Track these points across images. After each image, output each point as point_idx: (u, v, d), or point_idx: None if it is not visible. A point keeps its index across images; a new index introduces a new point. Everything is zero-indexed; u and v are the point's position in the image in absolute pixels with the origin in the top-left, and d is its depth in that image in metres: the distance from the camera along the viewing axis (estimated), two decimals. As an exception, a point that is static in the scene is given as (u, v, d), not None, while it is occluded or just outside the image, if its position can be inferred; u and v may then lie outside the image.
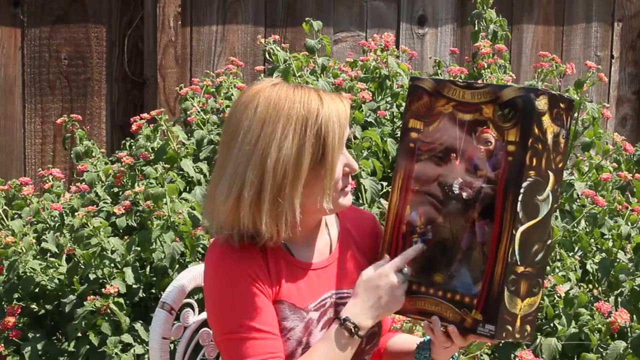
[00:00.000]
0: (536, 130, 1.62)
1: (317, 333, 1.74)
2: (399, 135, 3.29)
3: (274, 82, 1.75)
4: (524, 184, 1.62)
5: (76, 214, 2.83)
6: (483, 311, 1.62)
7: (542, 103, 1.63)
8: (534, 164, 1.63)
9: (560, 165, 1.69)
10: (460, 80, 1.73)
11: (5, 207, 2.97)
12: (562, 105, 1.67)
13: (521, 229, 1.62)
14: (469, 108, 1.69)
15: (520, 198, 1.62)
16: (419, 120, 1.75)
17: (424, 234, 1.72)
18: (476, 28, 3.86)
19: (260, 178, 1.67)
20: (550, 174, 1.67)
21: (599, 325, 2.63)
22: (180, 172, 3.14)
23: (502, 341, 1.88)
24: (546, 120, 1.64)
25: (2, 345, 2.72)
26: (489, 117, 1.66)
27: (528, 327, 1.68)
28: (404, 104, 3.40)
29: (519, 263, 1.63)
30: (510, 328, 1.64)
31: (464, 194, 1.67)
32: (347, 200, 1.78)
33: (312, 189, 1.70)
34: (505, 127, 1.64)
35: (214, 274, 1.73)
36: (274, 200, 1.68)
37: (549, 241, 1.70)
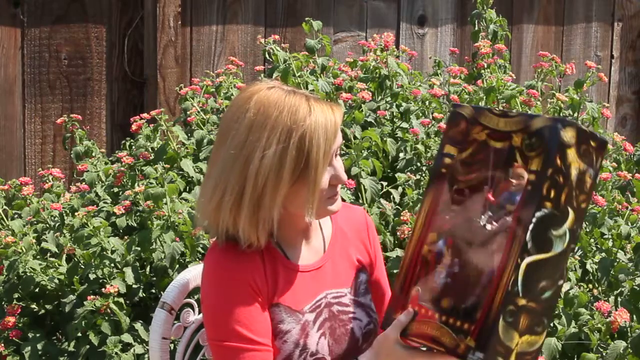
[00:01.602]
0: (558, 162, 1.57)
1: (313, 334, 1.75)
2: (399, 135, 3.30)
3: (270, 85, 1.73)
4: (537, 214, 1.56)
5: (76, 214, 2.83)
6: (477, 338, 1.58)
7: (568, 135, 1.57)
8: (552, 195, 1.57)
9: (583, 205, 1.62)
10: (497, 109, 1.69)
11: (5, 207, 2.97)
12: (592, 143, 1.61)
13: (528, 259, 1.57)
14: (501, 136, 1.64)
15: (530, 227, 1.56)
16: (453, 147, 1.70)
17: (451, 267, 1.65)
18: (476, 28, 3.86)
19: (242, 184, 1.68)
20: (571, 210, 1.60)
21: (599, 325, 2.63)
22: (180, 172, 3.14)
23: None
24: (571, 153, 1.58)
25: (2, 345, 2.72)
26: (517, 145, 1.61)
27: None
28: (404, 104, 3.42)
29: (520, 295, 1.57)
30: None
31: (488, 226, 1.62)
32: (335, 206, 1.76)
33: (295, 199, 1.70)
34: (530, 156, 1.59)
35: (212, 278, 1.73)
36: (253, 207, 1.68)
37: (561, 281, 1.64)
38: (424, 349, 1.68)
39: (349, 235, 1.88)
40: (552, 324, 2.69)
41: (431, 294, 1.66)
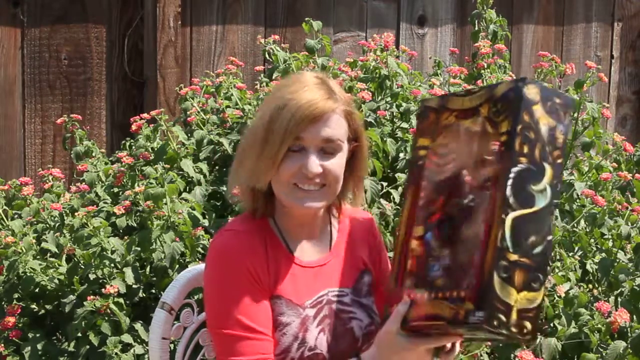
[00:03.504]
0: (526, 118, 1.61)
1: (313, 329, 1.76)
2: (399, 135, 3.30)
3: (316, 73, 1.81)
4: (514, 169, 1.60)
5: (76, 214, 2.83)
6: (474, 300, 1.57)
7: (531, 92, 1.62)
8: (525, 151, 1.61)
9: (558, 161, 1.66)
10: (461, 91, 1.74)
11: (5, 207, 2.97)
12: (557, 100, 1.65)
13: (512, 214, 1.59)
14: (468, 113, 1.69)
15: (509, 183, 1.59)
16: (426, 138, 1.76)
17: (439, 259, 1.67)
18: (476, 28, 3.86)
19: (242, 141, 1.81)
20: (547, 166, 1.64)
21: (599, 325, 2.63)
22: (180, 172, 3.14)
23: (501, 340, 1.85)
24: (538, 110, 1.63)
25: (2, 345, 2.72)
26: (485, 115, 1.66)
27: (528, 324, 1.62)
28: (404, 104, 3.42)
29: (510, 250, 1.58)
30: (503, 318, 1.58)
31: (472, 204, 1.65)
32: (303, 202, 1.75)
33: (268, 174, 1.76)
34: (499, 121, 1.64)
35: (215, 266, 1.75)
36: (236, 167, 1.79)
37: (550, 237, 1.66)
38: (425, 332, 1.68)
39: (356, 237, 1.90)
40: (552, 324, 2.69)
41: (426, 286, 1.67)
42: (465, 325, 1.59)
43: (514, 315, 1.60)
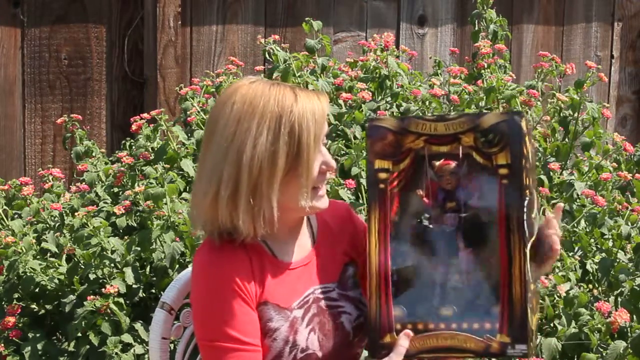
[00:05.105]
0: (525, 151, 1.66)
1: (302, 330, 1.76)
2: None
3: (252, 79, 1.76)
4: (525, 203, 1.64)
5: (76, 214, 2.83)
6: (510, 333, 1.63)
7: (523, 124, 1.66)
8: (527, 183, 1.66)
9: (534, 183, 1.73)
10: (428, 115, 1.74)
11: (5, 207, 2.97)
12: (528, 125, 1.71)
13: (529, 246, 1.65)
14: (443, 140, 1.69)
15: (525, 217, 1.64)
16: (386, 160, 1.73)
17: (392, 275, 1.71)
18: (476, 28, 3.86)
19: (236, 175, 1.68)
20: (534, 191, 1.70)
21: (599, 325, 2.63)
22: (180, 172, 3.14)
23: None
24: (527, 140, 1.68)
25: (2, 345, 2.72)
26: (470, 144, 1.67)
27: (535, 339, 1.70)
28: (404, 104, 3.41)
29: (531, 281, 1.65)
30: (532, 344, 1.66)
31: (446, 228, 1.68)
32: (322, 202, 1.77)
33: (288, 187, 1.71)
34: (492, 152, 1.66)
35: (200, 278, 1.74)
36: (251, 197, 1.69)
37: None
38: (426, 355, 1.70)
39: (335, 230, 1.89)
40: (552, 324, 2.69)
41: (428, 316, 1.69)
42: (503, 357, 1.65)
43: (534, 338, 1.68)
